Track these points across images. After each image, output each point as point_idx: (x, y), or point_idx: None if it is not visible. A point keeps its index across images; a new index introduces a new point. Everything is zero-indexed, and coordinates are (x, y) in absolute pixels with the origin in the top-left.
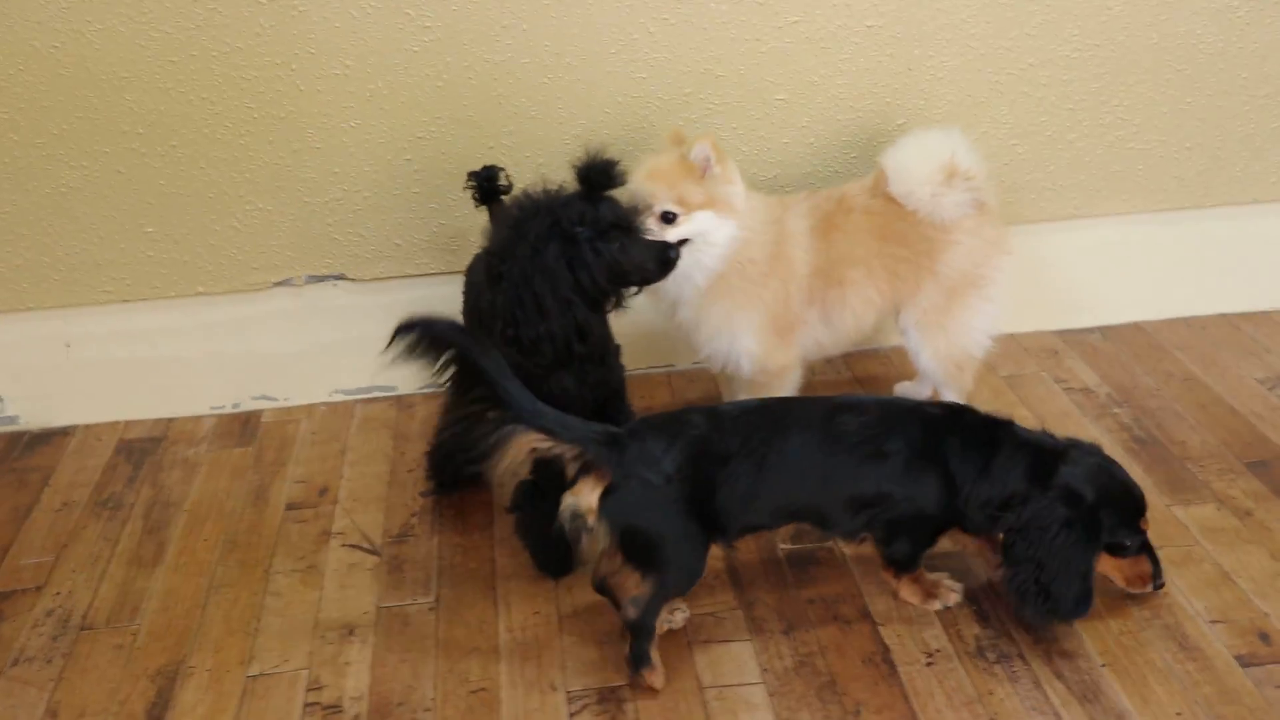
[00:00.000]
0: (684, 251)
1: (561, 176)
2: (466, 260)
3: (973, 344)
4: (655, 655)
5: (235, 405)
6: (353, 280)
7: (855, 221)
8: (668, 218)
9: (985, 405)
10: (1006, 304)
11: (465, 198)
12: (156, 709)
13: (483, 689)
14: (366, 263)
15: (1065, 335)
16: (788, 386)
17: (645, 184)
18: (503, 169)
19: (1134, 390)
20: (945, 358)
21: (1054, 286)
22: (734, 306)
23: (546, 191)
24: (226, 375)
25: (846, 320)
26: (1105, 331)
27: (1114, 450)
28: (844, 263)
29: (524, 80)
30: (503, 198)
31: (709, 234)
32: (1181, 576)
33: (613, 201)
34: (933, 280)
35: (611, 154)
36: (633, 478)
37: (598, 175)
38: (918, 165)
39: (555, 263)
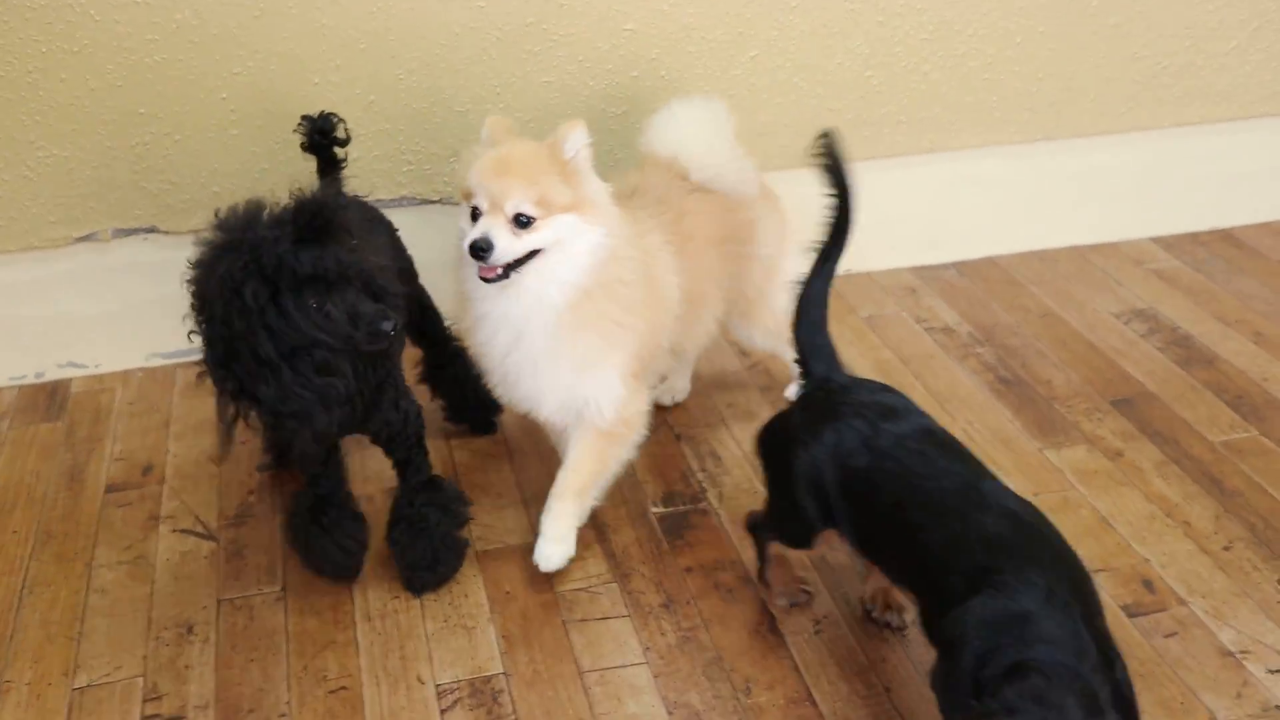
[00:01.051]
0: (536, 266)
1: (395, 113)
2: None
3: (781, 321)
4: None
5: (39, 375)
6: (166, 233)
7: (696, 228)
8: (522, 221)
9: (849, 349)
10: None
11: (289, 140)
12: None
13: (343, 687)
14: (181, 214)
15: (921, 272)
16: (636, 440)
17: (494, 178)
18: (341, 120)
19: (994, 328)
20: (775, 329)
21: (909, 222)
22: (601, 339)
23: (251, 215)
24: (27, 342)
25: (696, 340)
26: (960, 267)
27: (981, 393)
28: (702, 278)
29: (350, 9)
30: (337, 150)
31: (572, 242)
32: (1061, 524)
33: (323, 250)
34: (754, 265)
35: (333, 200)
36: None
37: (307, 222)
38: (713, 140)
39: (254, 303)
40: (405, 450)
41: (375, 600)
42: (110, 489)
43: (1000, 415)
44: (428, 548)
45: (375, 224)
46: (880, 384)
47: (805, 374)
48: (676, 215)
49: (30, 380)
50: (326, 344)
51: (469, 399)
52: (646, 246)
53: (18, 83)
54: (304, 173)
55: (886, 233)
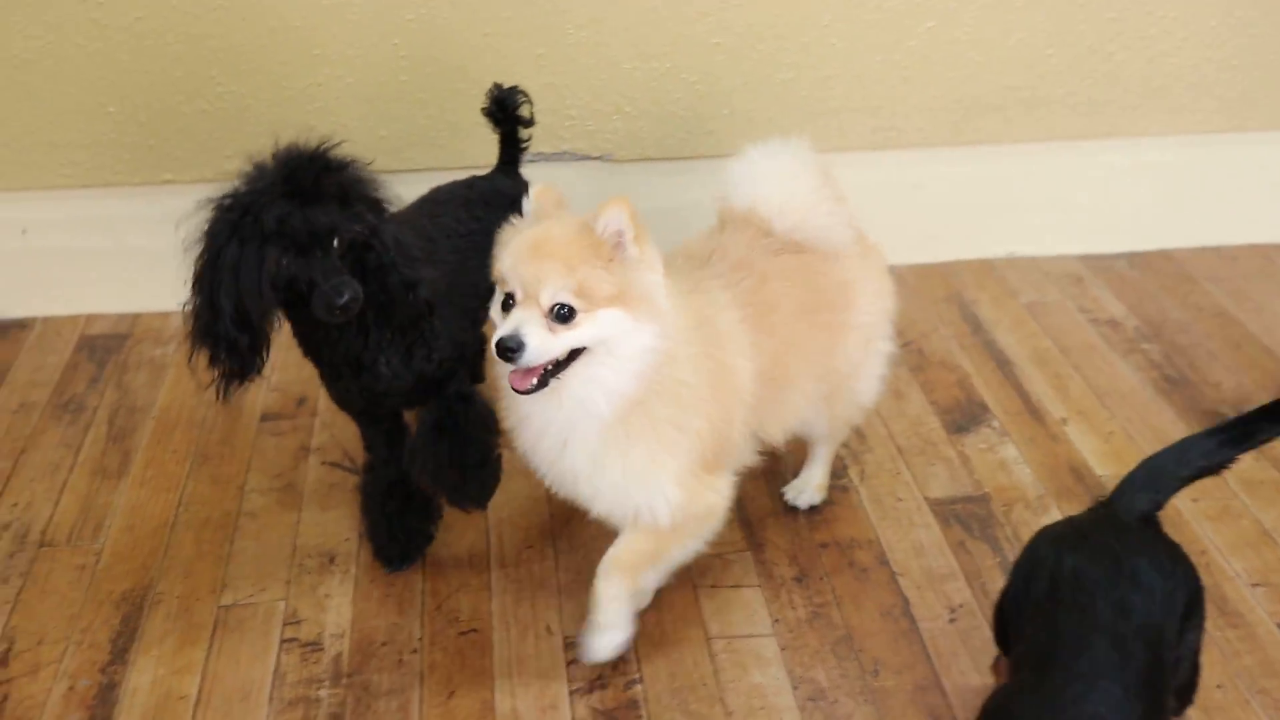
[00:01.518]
0: (582, 366)
1: (562, 68)
2: (466, 156)
3: (873, 395)
4: None
5: None
6: None
7: (781, 295)
8: (562, 314)
9: (1008, 336)
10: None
11: (457, 91)
12: (122, 639)
13: (474, 629)
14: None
15: (1090, 260)
16: (707, 535)
17: (530, 261)
18: (527, 99)
19: (1164, 324)
20: (843, 421)
21: (1081, 208)
22: (656, 447)
23: (257, 173)
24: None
25: (783, 424)
26: (1132, 259)
27: (1144, 390)
28: (786, 356)
29: None
30: (520, 129)
31: (619, 343)
32: (1219, 534)
33: (314, 210)
34: (850, 335)
35: (325, 146)
36: None
37: (297, 173)
38: (794, 186)
39: (234, 263)
40: (446, 383)
41: (510, 548)
42: (265, 418)
43: (1163, 415)
44: (458, 456)
45: (497, 203)
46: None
47: (1121, 493)
48: (757, 281)
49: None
50: (321, 308)
51: None
52: (716, 331)
53: (203, 19)
54: (469, 122)
55: (1056, 218)
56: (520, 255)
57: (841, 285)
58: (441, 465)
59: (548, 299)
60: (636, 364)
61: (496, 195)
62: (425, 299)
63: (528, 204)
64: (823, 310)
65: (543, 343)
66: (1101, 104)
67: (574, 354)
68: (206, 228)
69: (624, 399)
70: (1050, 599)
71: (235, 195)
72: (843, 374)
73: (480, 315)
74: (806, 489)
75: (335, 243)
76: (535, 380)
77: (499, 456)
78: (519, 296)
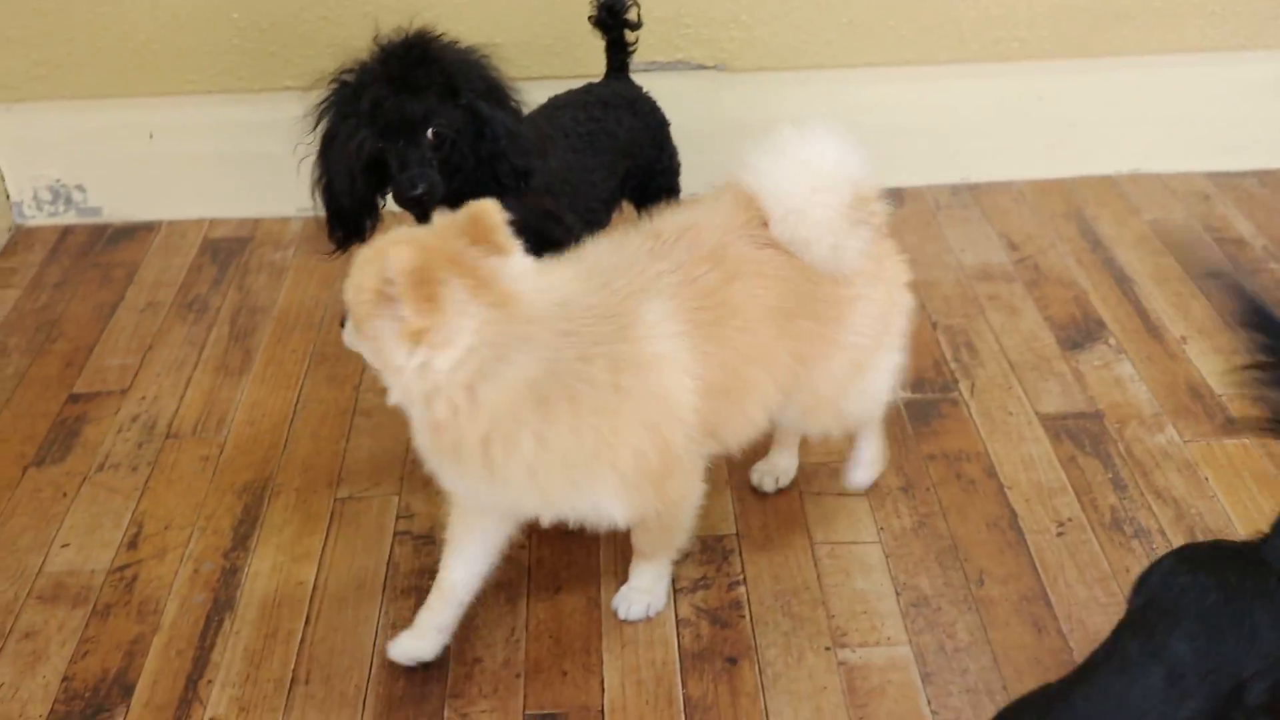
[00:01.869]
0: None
1: None
2: (581, 65)
3: (877, 407)
4: None
5: None
6: None
7: (746, 294)
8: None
9: (1128, 253)
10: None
11: None
12: (244, 526)
13: (581, 528)
14: None
15: (1218, 178)
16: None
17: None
18: (635, 2)
19: None
20: (839, 429)
21: (1209, 124)
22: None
23: (382, 53)
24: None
25: (741, 437)
26: (1263, 177)
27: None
28: (745, 365)
29: None
30: (627, 33)
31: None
32: None
33: (409, 98)
34: (838, 353)
35: (424, 36)
36: None
37: (393, 60)
38: (817, 196)
39: (333, 137)
40: None
41: None
42: None
43: None
44: None
45: (614, 104)
46: None
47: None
48: (721, 279)
49: (315, 212)
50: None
51: None
52: (634, 353)
53: None
54: (583, 33)
55: (1183, 133)
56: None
57: (834, 298)
58: None
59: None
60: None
61: (613, 97)
62: (543, 186)
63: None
64: (801, 317)
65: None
66: (1236, 14)
67: None
68: (322, 100)
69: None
70: (1137, 610)
71: (352, 73)
72: (823, 393)
73: (598, 215)
74: (773, 472)
75: (430, 133)
76: None
77: None
78: None
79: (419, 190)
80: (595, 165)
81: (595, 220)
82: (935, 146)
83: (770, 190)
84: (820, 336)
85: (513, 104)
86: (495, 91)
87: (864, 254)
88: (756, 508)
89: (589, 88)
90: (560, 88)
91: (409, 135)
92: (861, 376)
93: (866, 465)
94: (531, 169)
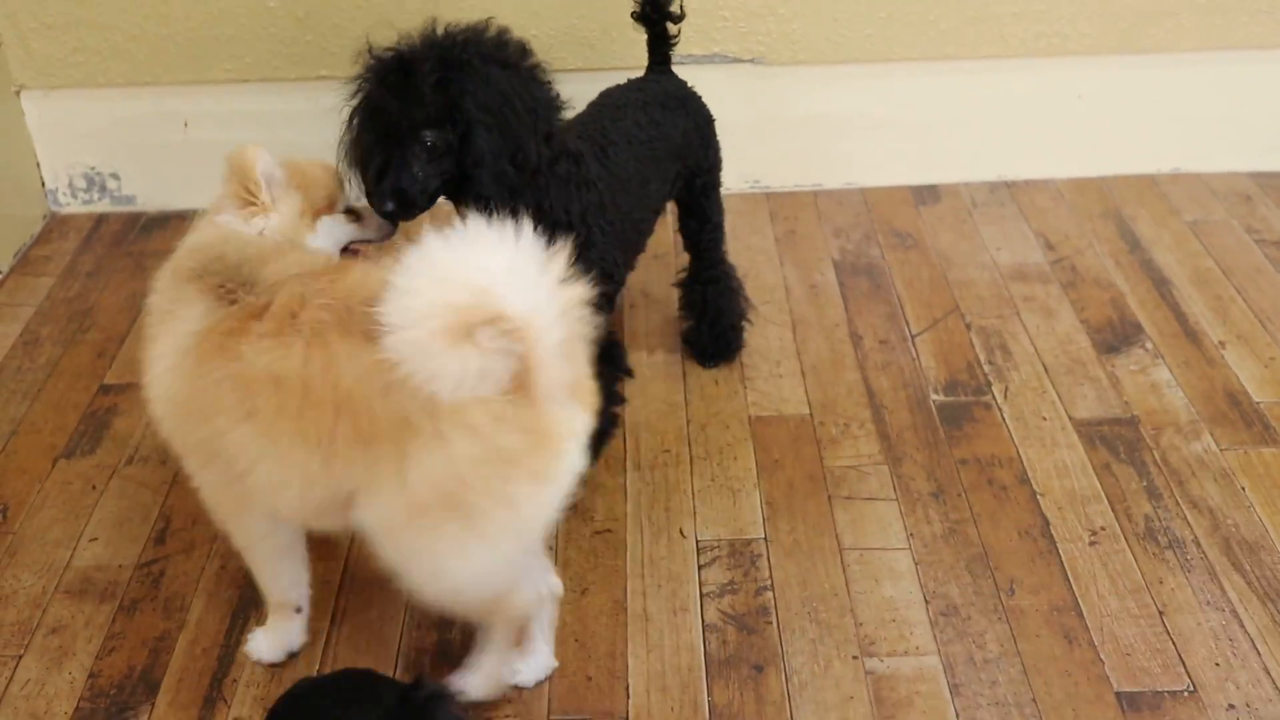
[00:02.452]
0: None
1: None
2: (617, 58)
3: (456, 595)
4: None
5: (358, 196)
6: None
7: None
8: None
9: (1167, 255)
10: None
11: None
12: None
13: (608, 529)
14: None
15: (1261, 178)
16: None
17: None
18: None
19: None
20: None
21: (1254, 124)
22: None
23: (396, 56)
24: None
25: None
26: None
27: None
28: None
29: None
30: (670, 25)
31: None
32: None
33: (409, 105)
34: (390, 490)
35: (445, 43)
36: None
37: (400, 64)
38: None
39: (350, 121)
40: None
41: (647, 451)
42: None
43: None
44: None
45: (670, 105)
46: None
47: None
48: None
49: (351, 200)
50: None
51: (705, 332)
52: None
53: None
54: (620, 26)
55: (1226, 132)
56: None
57: (399, 419)
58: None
59: None
60: None
61: (667, 98)
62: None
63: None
64: (346, 419)
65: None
66: (1276, 11)
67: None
68: (347, 94)
69: None
70: None
71: (382, 60)
72: (377, 529)
73: (648, 224)
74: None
75: (427, 140)
76: None
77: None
78: None
79: (388, 206)
80: (653, 175)
81: (645, 230)
82: (973, 143)
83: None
84: (367, 458)
85: (520, 122)
86: (502, 110)
87: (482, 381)
88: (785, 511)
89: (641, 85)
90: (597, 81)
91: (402, 141)
92: (422, 539)
93: (475, 673)
94: (489, 197)
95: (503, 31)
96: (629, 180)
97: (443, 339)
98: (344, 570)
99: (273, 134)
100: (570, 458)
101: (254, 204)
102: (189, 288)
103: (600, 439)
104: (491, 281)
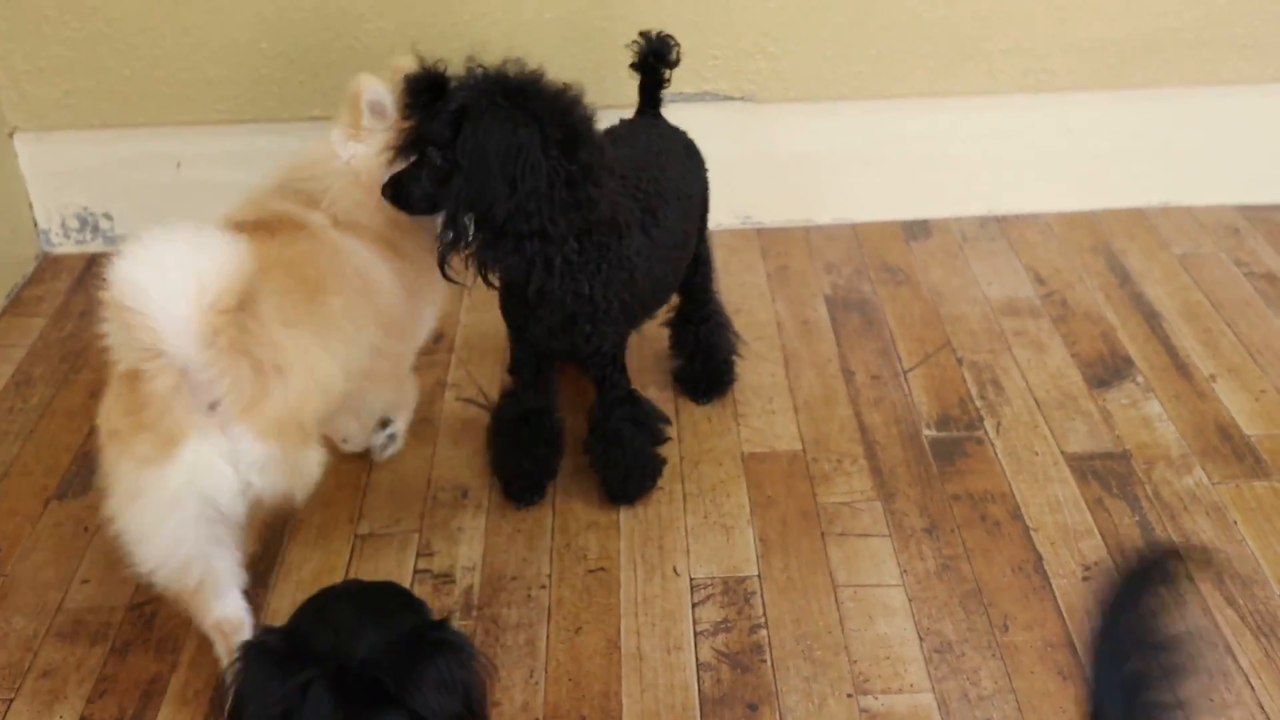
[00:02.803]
0: None
1: (707, 4)
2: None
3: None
4: None
5: None
6: None
7: None
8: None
9: (1157, 288)
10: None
11: (602, 27)
12: (263, 564)
13: (601, 568)
14: None
15: (1249, 211)
16: None
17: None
18: (677, 43)
19: None
20: None
21: (1242, 157)
22: None
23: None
24: None
25: None
26: None
27: None
28: None
29: None
30: (663, 76)
31: None
32: None
33: (428, 122)
34: None
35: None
36: None
37: (416, 86)
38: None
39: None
40: (600, 369)
41: None
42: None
43: None
44: (619, 464)
45: (693, 153)
46: None
47: None
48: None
49: None
50: None
51: (698, 369)
52: None
53: None
54: (611, 64)
55: (1214, 165)
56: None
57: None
58: (610, 476)
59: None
60: None
61: (687, 145)
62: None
63: None
64: None
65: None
66: (1267, 46)
67: None
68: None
69: None
70: None
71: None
72: None
73: (663, 303)
74: None
75: (434, 160)
76: None
77: (661, 460)
78: None
79: (386, 192)
80: (690, 231)
81: (667, 294)
82: (963, 178)
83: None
84: None
85: (495, 184)
86: (480, 165)
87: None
88: (779, 548)
89: (660, 129)
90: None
91: (421, 153)
92: None
93: None
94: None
95: (562, 92)
96: (671, 246)
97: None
98: None
99: (267, 173)
100: (180, 466)
101: (355, 130)
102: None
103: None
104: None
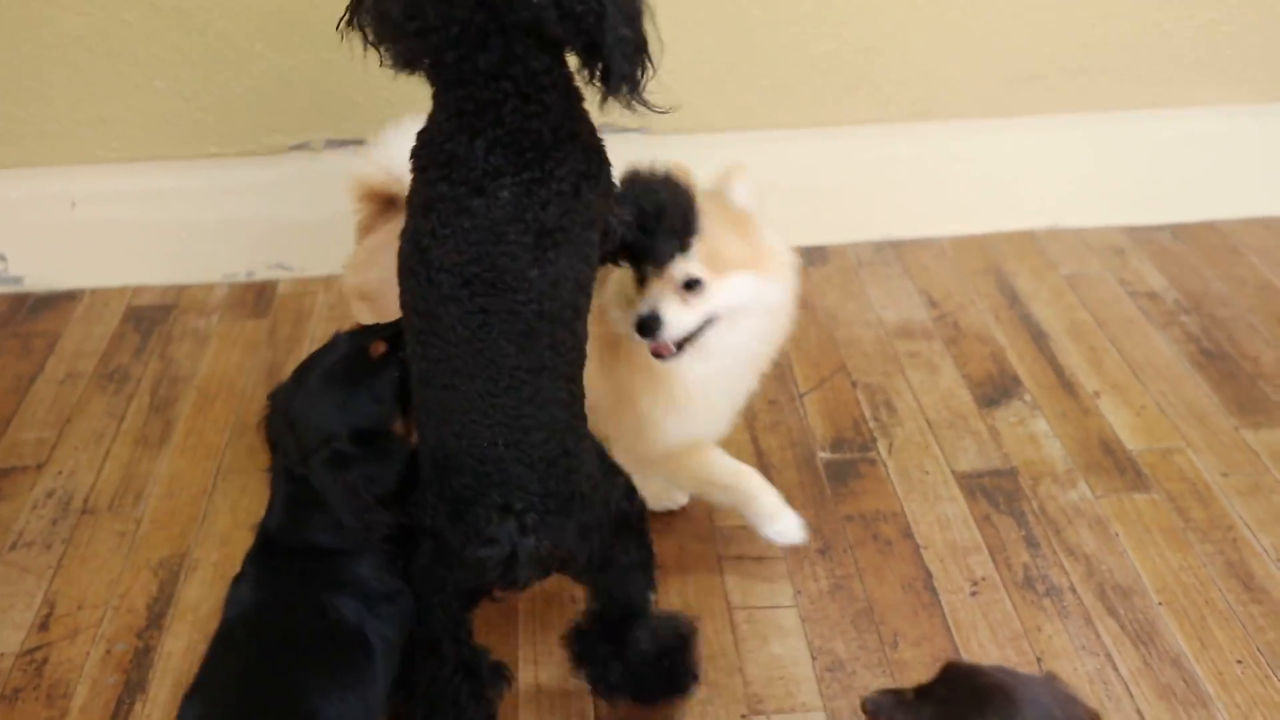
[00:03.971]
0: (719, 332)
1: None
2: None
3: None
4: None
5: (249, 274)
6: None
7: None
8: (692, 284)
9: (1045, 309)
10: None
11: None
12: (158, 604)
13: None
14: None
15: (1133, 232)
16: None
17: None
18: None
19: (1204, 297)
20: None
21: (1124, 180)
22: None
23: None
24: (240, 242)
25: None
26: (1176, 230)
27: (1179, 364)
28: None
29: None
30: None
31: (751, 306)
32: (1248, 508)
33: None
34: None
35: None
36: None
37: None
38: None
39: None
40: None
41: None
42: None
43: (1197, 389)
44: None
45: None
46: None
47: None
48: None
49: (241, 279)
50: None
51: None
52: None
53: None
54: None
55: (1099, 189)
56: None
57: None
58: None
59: (680, 272)
60: (770, 324)
61: None
62: None
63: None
64: None
65: (678, 317)
66: (1147, 74)
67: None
68: None
69: (767, 361)
70: None
71: None
72: None
73: None
74: None
75: None
76: (675, 347)
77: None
78: (650, 271)
79: None
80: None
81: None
82: (858, 204)
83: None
84: None
85: None
86: None
87: None
88: (675, 573)
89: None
90: None
91: None
92: None
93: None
94: None
95: None
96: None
97: None
98: None
99: (163, 211)
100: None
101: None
102: None
103: None
104: None
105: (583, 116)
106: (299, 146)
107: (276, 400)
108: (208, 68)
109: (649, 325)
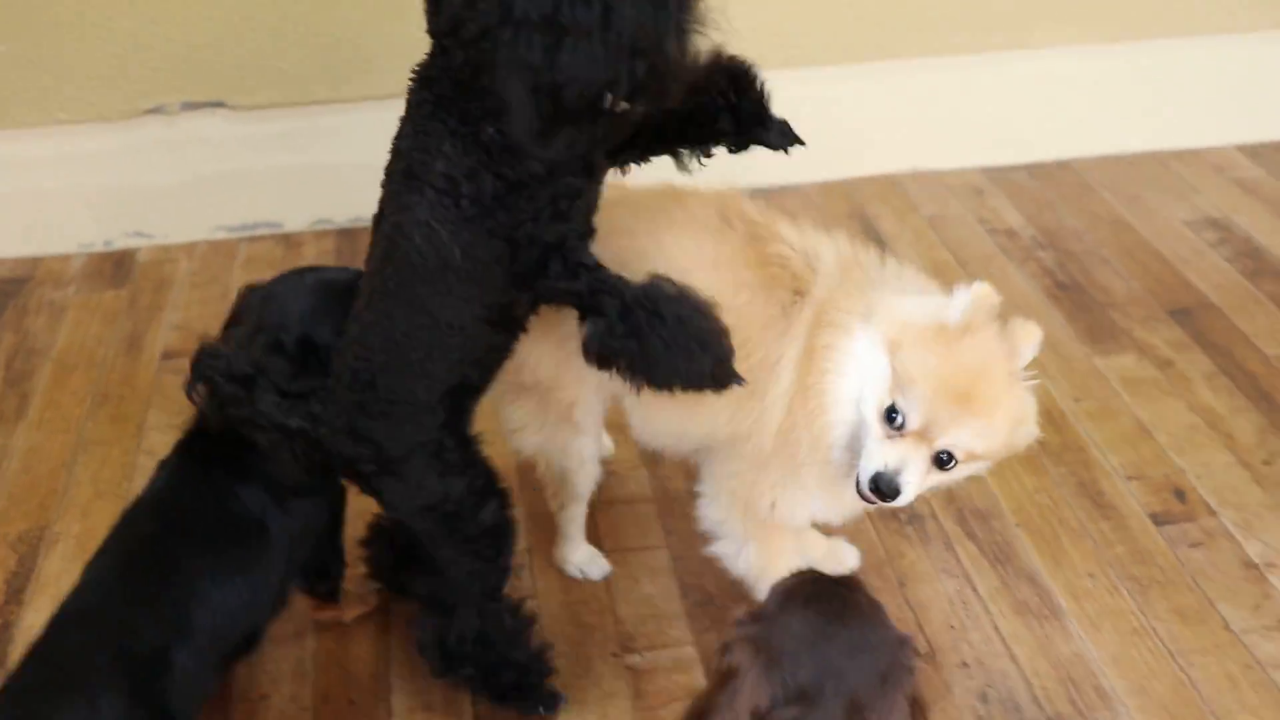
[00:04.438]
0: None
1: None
2: (362, 89)
3: None
4: None
5: (107, 243)
6: (234, 108)
7: None
8: (943, 460)
9: (908, 249)
10: None
11: (360, 18)
12: (18, 580)
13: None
14: (249, 89)
15: (991, 173)
16: None
17: (951, 403)
18: None
19: (1059, 233)
20: None
21: (980, 122)
22: None
23: None
24: (97, 210)
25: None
26: (1032, 169)
27: (1036, 296)
28: None
29: None
30: None
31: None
32: (1099, 430)
33: None
34: None
35: None
36: None
37: None
38: None
39: None
40: None
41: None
42: (166, 356)
43: (1052, 320)
44: None
45: None
46: None
47: None
48: None
49: (99, 248)
50: None
51: None
52: None
53: None
54: (375, 50)
55: (956, 132)
56: (945, 389)
57: None
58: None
59: (944, 444)
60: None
61: None
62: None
63: (962, 299)
64: None
65: (917, 490)
66: (998, 16)
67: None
68: None
69: None
70: None
71: None
72: None
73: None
74: None
75: None
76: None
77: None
78: (912, 425)
79: None
80: None
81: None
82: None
83: None
84: None
85: None
86: None
87: None
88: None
89: None
90: (350, 114)
91: None
92: None
93: None
94: None
95: None
96: None
97: None
98: None
99: (15, 181)
100: None
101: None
102: None
103: None
104: None
105: None
106: (154, 110)
107: (254, 290)
108: (50, 30)
109: (884, 489)
